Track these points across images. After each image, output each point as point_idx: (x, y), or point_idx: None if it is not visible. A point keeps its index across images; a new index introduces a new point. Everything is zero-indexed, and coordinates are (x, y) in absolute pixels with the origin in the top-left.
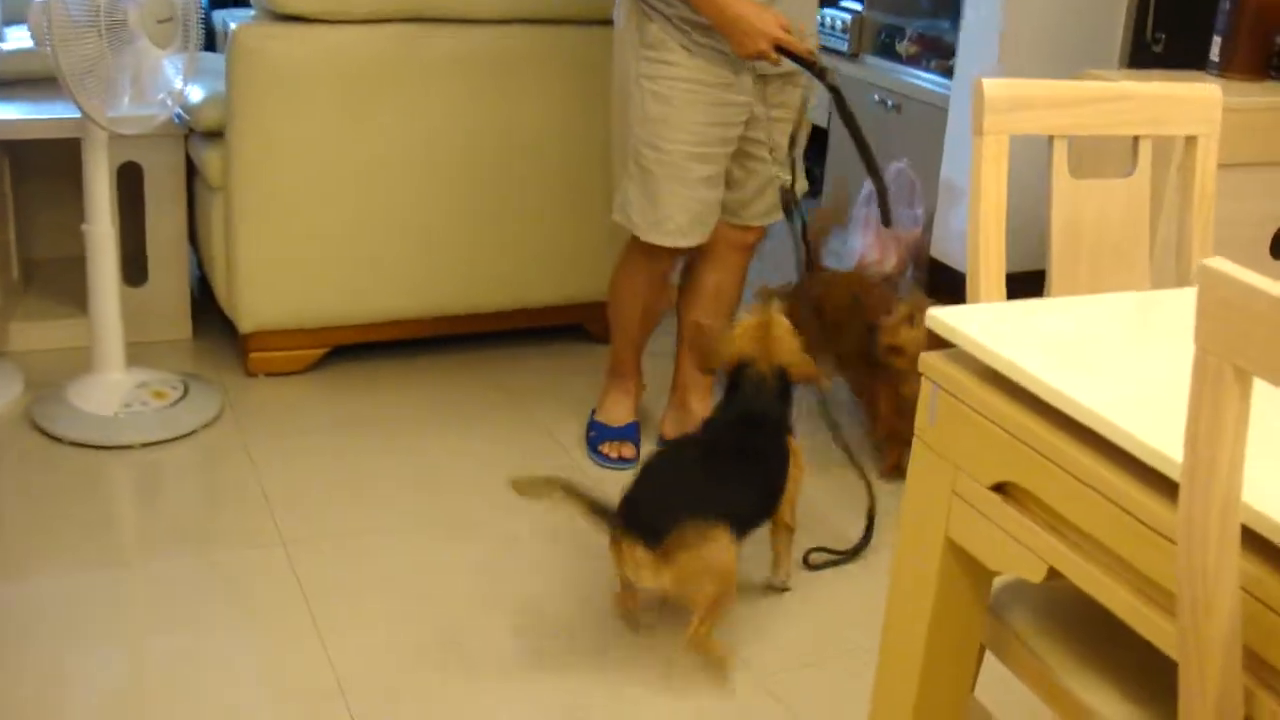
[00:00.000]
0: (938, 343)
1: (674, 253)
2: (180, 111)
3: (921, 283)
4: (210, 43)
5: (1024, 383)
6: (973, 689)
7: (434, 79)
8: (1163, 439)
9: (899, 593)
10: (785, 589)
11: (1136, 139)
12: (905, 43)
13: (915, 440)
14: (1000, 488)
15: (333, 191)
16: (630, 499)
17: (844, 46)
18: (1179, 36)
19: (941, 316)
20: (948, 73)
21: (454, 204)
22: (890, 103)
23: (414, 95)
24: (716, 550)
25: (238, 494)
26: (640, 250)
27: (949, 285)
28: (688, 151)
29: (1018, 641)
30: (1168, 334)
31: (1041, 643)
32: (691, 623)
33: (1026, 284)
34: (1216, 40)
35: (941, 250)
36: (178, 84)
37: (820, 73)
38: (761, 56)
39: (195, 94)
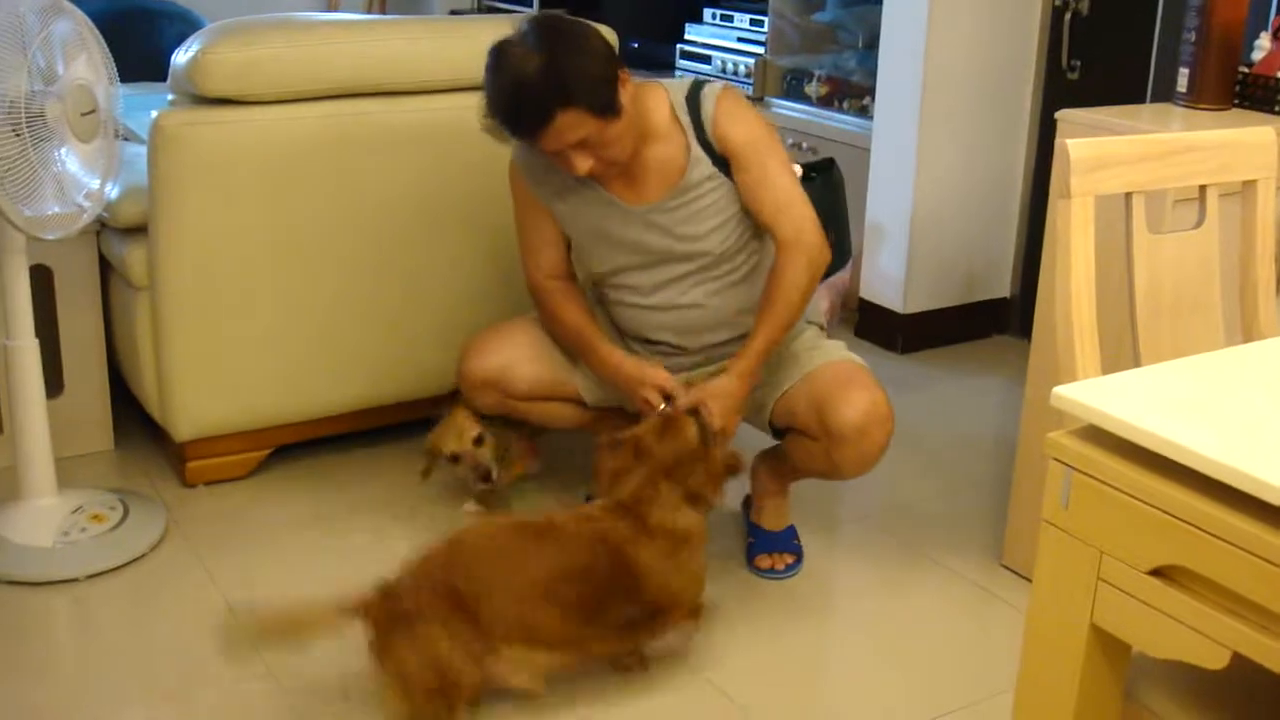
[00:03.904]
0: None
1: None
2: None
3: (852, 324)
4: None
5: (1193, 464)
6: None
7: (372, 156)
8: None
9: (1033, 681)
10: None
11: (1203, 188)
12: (815, 84)
13: (1044, 525)
14: (1157, 571)
15: (269, 282)
16: None
17: (749, 91)
18: (1094, 64)
19: (1072, 396)
20: (861, 112)
21: (400, 284)
22: (805, 146)
23: (351, 174)
24: None
25: (207, 623)
26: None
27: (878, 325)
28: None
29: None
30: None
31: None
32: None
33: (952, 318)
34: (1183, 71)
35: (870, 291)
36: (95, 183)
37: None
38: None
39: (110, 189)
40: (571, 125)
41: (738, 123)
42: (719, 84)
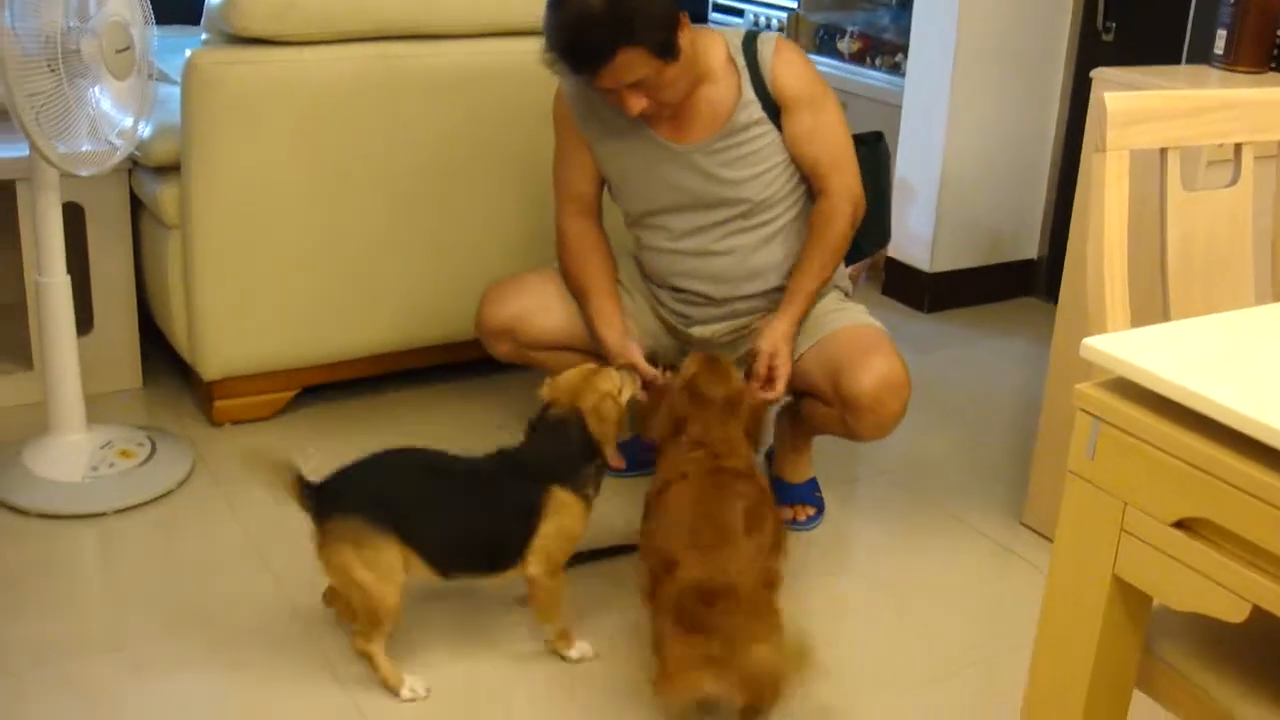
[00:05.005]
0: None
1: None
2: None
3: (879, 283)
4: None
5: (1220, 417)
6: None
7: (404, 100)
8: None
9: (1053, 631)
10: (564, 657)
11: (1239, 147)
12: (847, 40)
13: (1070, 476)
14: (1180, 523)
15: (301, 223)
16: (334, 473)
17: None
18: (1129, 26)
19: (1101, 347)
20: (894, 70)
21: (434, 228)
22: None
23: (384, 118)
24: (372, 558)
25: (232, 559)
26: None
27: (905, 284)
28: None
29: (1175, 675)
30: None
31: (1206, 676)
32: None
33: (979, 279)
34: (1221, 33)
35: (897, 249)
36: (128, 122)
37: None
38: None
39: (142, 128)
40: (631, 65)
41: (796, 71)
42: (775, 34)
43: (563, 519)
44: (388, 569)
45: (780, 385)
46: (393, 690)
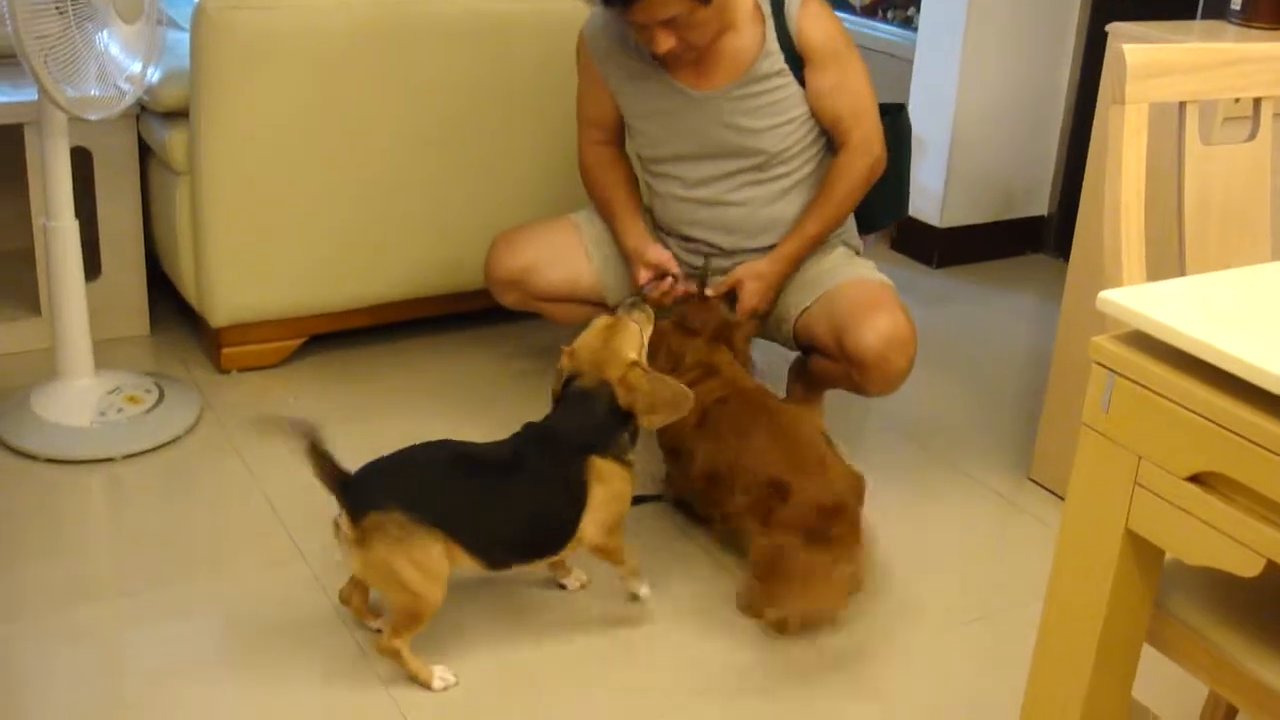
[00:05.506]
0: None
1: None
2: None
3: (889, 238)
4: None
5: (1237, 370)
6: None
7: (415, 48)
8: None
9: (1065, 586)
10: (636, 594)
11: (1258, 101)
12: None
13: (1084, 429)
14: (1195, 477)
15: (310, 170)
16: (365, 467)
17: None
18: None
19: (1118, 300)
20: (905, 23)
21: (443, 176)
22: None
23: (394, 65)
24: (419, 555)
25: (241, 505)
26: None
27: (915, 240)
28: None
29: (1186, 630)
30: None
31: (1217, 631)
32: (384, 627)
33: (989, 234)
34: None
35: (910, 205)
36: (136, 67)
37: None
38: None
39: (151, 73)
40: (666, 1)
41: (821, 23)
42: None
43: (610, 484)
44: (434, 565)
45: (742, 307)
46: (424, 684)
